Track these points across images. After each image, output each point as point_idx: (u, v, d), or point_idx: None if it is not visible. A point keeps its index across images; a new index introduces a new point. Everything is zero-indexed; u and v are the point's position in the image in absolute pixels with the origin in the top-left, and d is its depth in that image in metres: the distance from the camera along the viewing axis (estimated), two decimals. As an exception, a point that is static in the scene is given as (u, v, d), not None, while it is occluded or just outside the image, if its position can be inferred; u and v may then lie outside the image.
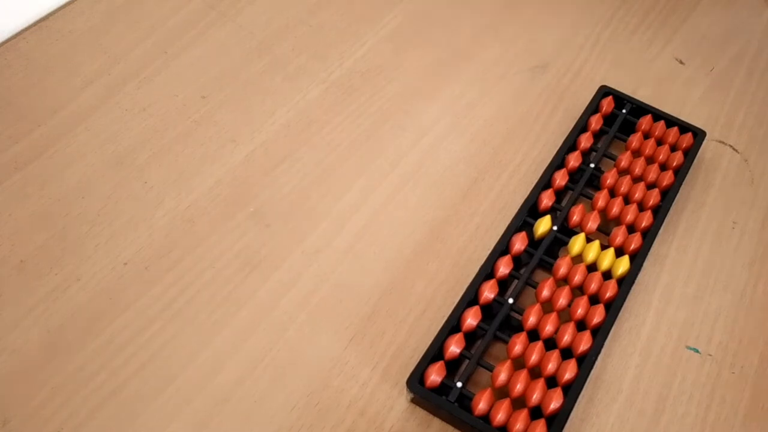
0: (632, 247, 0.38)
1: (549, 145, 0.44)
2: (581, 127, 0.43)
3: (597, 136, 0.44)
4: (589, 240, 0.39)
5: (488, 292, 0.36)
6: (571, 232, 0.39)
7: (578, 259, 0.38)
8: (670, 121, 0.44)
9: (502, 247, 0.38)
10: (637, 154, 0.43)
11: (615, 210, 0.40)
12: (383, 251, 0.40)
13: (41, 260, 0.39)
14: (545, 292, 0.36)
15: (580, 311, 0.36)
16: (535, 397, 0.33)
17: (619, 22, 0.52)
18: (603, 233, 0.40)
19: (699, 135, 0.43)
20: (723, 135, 0.45)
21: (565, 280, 0.37)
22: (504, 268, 0.37)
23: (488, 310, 0.37)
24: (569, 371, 0.34)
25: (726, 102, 0.47)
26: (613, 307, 0.36)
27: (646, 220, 0.39)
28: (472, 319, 0.35)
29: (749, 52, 0.51)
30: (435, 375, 0.33)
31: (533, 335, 0.35)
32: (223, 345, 0.36)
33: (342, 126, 0.45)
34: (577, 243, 0.38)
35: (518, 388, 0.33)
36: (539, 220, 0.39)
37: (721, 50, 0.51)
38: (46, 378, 0.35)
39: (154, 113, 0.46)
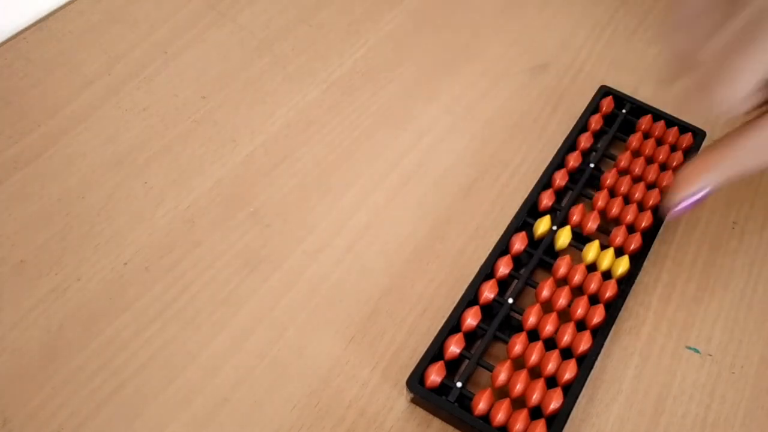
0: (632, 247, 0.38)
1: (549, 145, 0.44)
2: (581, 127, 0.43)
3: (597, 136, 0.44)
4: (588, 240, 0.39)
5: (488, 292, 0.36)
6: (572, 233, 0.39)
7: (578, 259, 0.38)
8: (670, 121, 0.44)
9: (502, 247, 0.38)
10: (637, 154, 0.43)
11: (615, 210, 0.40)
12: (383, 251, 0.40)
13: (41, 260, 0.39)
14: (545, 292, 0.36)
15: (579, 311, 0.36)
16: (535, 397, 0.33)
17: (619, 22, 0.52)
18: (603, 233, 0.40)
19: (699, 135, 0.43)
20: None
21: (564, 280, 0.37)
22: (504, 268, 0.37)
23: (488, 310, 0.37)
24: (569, 371, 0.34)
25: (726, 102, 0.47)
26: (613, 307, 0.36)
27: (646, 220, 0.39)
28: (472, 319, 0.35)
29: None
30: (435, 375, 0.33)
31: (533, 335, 0.35)
32: (223, 345, 0.36)
33: (342, 126, 0.45)
34: (562, 236, 0.38)
35: (518, 388, 0.33)
36: (539, 220, 0.39)
37: (721, 50, 0.51)
38: (46, 378, 0.35)
39: (154, 113, 0.46)
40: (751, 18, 0.30)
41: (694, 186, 0.34)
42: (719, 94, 0.31)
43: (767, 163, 0.33)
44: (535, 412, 0.33)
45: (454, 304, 0.36)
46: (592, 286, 0.37)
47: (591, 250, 0.38)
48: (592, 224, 0.39)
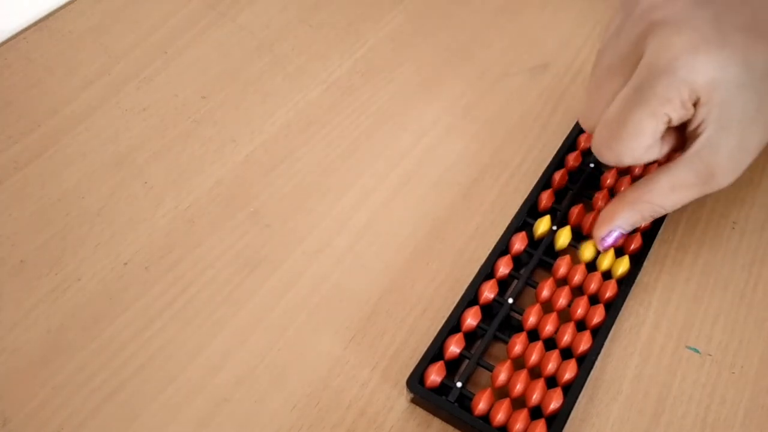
0: (632, 247, 0.38)
1: (549, 145, 0.44)
2: (581, 126, 0.43)
3: (597, 136, 0.44)
4: (586, 238, 0.39)
5: (488, 292, 0.36)
6: (572, 233, 0.39)
7: (578, 259, 0.38)
8: (670, 121, 0.44)
9: (502, 247, 0.38)
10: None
11: (615, 210, 0.40)
12: (383, 251, 0.40)
13: (41, 260, 0.39)
14: (545, 292, 0.36)
15: (580, 311, 0.36)
16: (535, 397, 0.33)
17: (619, 22, 0.52)
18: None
19: (699, 135, 0.43)
20: (723, 135, 0.45)
21: (564, 280, 0.37)
22: (504, 268, 0.37)
23: (488, 310, 0.37)
24: (569, 371, 0.34)
25: (726, 102, 0.47)
26: (613, 307, 0.36)
27: (646, 220, 0.39)
28: (472, 319, 0.35)
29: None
30: (435, 375, 0.33)
31: (533, 335, 0.35)
32: (223, 345, 0.36)
33: (342, 126, 0.45)
34: (562, 236, 0.38)
35: (518, 388, 0.33)
36: (539, 220, 0.39)
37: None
38: (46, 378, 0.35)
39: (154, 113, 0.46)
40: (641, 77, 0.33)
41: (606, 229, 0.37)
42: (620, 149, 0.34)
43: (672, 208, 0.36)
44: (535, 412, 0.33)
45: (454, 304, 0.36)
46: (592, 286, 0.37)
47: (587, 249, 0.38)
48: (592, 224, 0.39)
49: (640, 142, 0.33)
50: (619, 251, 0.38)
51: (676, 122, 0.33)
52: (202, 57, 0.49)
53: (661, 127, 0.33)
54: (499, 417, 0.32)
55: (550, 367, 0.34)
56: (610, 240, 0.37)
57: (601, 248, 0.37)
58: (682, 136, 0.35)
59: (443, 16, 0.52)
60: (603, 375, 0.36)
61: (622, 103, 0.33)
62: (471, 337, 0.36)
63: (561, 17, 0.52)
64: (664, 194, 0.35)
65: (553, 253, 0.39)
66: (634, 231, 0.39)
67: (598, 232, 0.37)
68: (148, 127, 0.45)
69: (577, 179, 0.42)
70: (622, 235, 0.37)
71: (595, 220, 0.39)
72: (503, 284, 0.38)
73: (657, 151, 0.35)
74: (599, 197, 0.40)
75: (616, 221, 0.36)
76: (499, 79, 0.48)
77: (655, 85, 0.32)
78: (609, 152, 0.34)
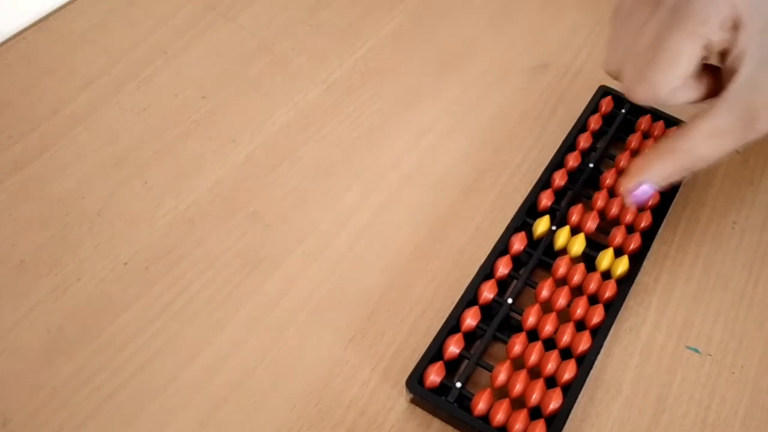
0: (632, 247, 0.38)
1: (549, 145, 0.44)
2: (580, 127, 0.43)
3: (596, 135, 0.44)
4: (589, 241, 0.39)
5: (487, 292, 0.36)
6: (571, 233, 0.39)
7: (577, 258, 0.38)
8: (670, 121, 0.44)
9: (502, 247, 0.38)
10: (636, 154, 0.43)
11: (614, 210, 0.40)
12: (383, 251, 0.40)
13: (41, 260, 0.39)
14: (544, 292, 0.36)
15: (579, 311, 0.36)
16: (534, 398, 0.33)
17: (619, 22, 0.52)
18: (602, 233, 0.40)
19: (699, 135, 0.43)
20: (723, 135, 0.45)
21: (564, 280, 0.37)
22: (503, 268, 0.37)
23: (487, 311, 0.37)
24: (569, 371, 0.34)
25: (726, 102, 0.47)
26: (613, 307, 0.36)
27: (645, 220, 0.39)
28: (471, 319, 0.35)
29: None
30: (434, 375, 0.33)
31: (532, 335, 0.35)
32: (223, 345, 0.36)
33: (342, 126, 0.45)
34: (561, 237, 0.38)
35: (518, 388, 0.33)
36: (538, 220, 0.39)
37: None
38: (46, 378, 0.35)
39: (154, 113, 0.46)
40: (674, 3, 0.31)
41: (636, 181, 0.34)
42: (656, 79, 0.31)
43: (710, 158, 0.33)
44: (535, 412, 0.33)
45: (454, 304, 0.36)
46: (592, 286, 0.37)
47: (576, 243, 0.38)
48: (591, 224, 0.39)
49: (678, 70, 0.31)
50: (619, 251, 0.38)
51: (715, 48, 0.31)
52: (202, 57, 0.49)
53: (699, 52, 0.31)
54: (499, 417, 0.32)
55: (550, 367, 0.34)
56: (638, 195, 0.34)
57: (628, 203, 0.35)
58: (717, 83, 0.33)
59: (443, 16, 0.52)
60: (603, 375, 0.36)
61: (656, 27, 0.31)
62: (470, 337, 0.36)
63: (561, 17, 0.52)
64: (702, 141, 0.32)
65: (553, 253, 0.39)
66: (632, 231, 0.39)
67: (627, 184, 0.34)
68: (148, 127, 0.45)
69: (577, 179, 0.42)
70: (652, 191, 0.34)
71: (594, 219, 0.39)
72: (503, 284, 0.38)
73: (691, 92, 0.32)
74: (599, 197, 0.40)
75: (649, 172, 0.33)
76: (499, 79, 0.48)
77: (691, 3, 0.30)
78: (643, 85, 0.32)
